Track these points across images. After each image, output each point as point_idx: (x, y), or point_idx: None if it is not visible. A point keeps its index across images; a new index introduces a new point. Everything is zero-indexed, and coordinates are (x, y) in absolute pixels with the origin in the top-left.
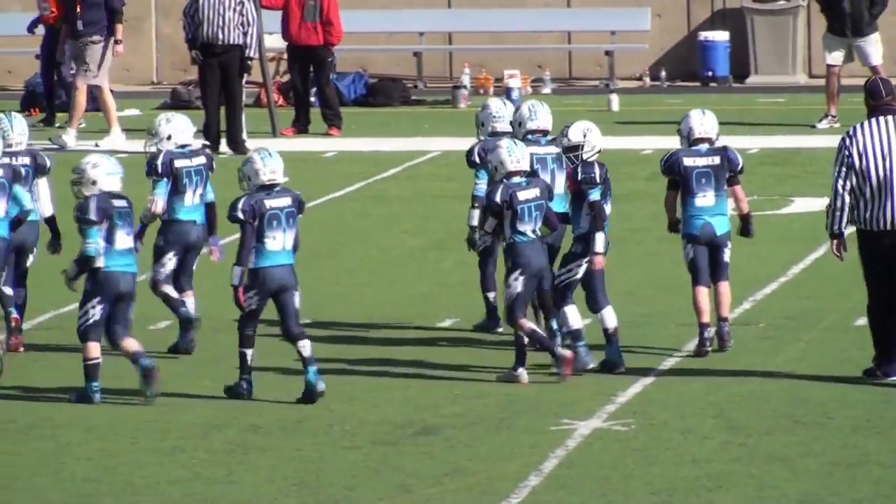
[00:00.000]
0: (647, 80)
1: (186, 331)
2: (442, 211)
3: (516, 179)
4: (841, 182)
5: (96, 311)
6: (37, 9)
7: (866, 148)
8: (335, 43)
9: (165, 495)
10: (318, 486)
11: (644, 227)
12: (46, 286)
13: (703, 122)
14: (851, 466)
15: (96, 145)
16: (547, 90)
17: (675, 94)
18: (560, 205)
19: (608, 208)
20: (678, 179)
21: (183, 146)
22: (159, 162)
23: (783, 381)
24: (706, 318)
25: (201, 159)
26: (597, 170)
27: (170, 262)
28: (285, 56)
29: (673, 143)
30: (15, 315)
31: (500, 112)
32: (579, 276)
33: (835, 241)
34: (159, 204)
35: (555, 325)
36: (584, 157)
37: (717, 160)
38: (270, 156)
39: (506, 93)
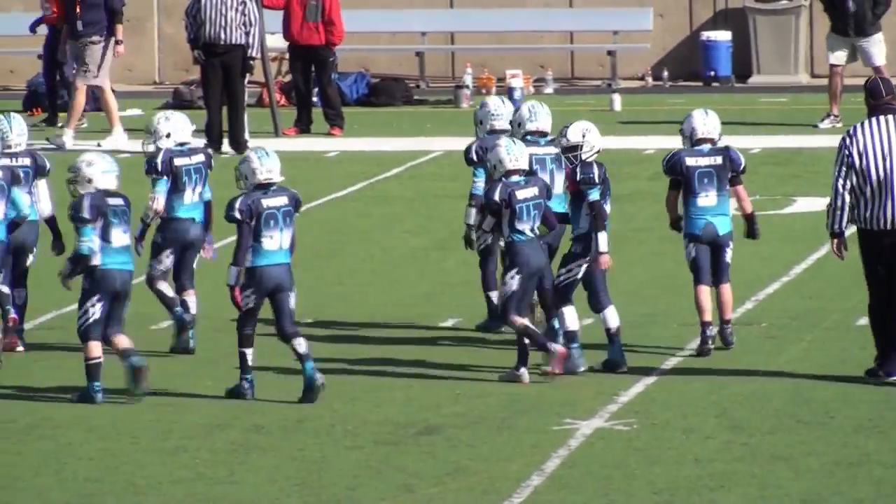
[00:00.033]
0: (650, 79)
1: (181, 332)
2: (444, 211)
3: (515, 178)
4: (841, 181)
5: (96, 310)
6: (39, 9)
7: (866, 147)
8: (337, 43)
9: (168, 495)
10: (320, 486)
11: (646, 226)
12: (48, 286)
13: (706, 123)
14: (853, 466)
15: (98, 145)
16: (549, 90)
17: (677, 94)
18: (559, 205)
19: (607, 208)
20: (680, 179)
21: (182, 144)
22: (159, 160)
23: (785, 380)
24: (708, 317)
25: (200, 157)
26: (595, 170)
27: (167, 258)
28: (287, 56)
29: (675, 142)
30: (13, 315)
31: (499, 110)
32: (580, 276)
33: (835, 241)
34: (160, 201)
35: (556, 325)
36: (583, 157)
37: (719, 160)
38: (267, 155)
39: (508, 93)
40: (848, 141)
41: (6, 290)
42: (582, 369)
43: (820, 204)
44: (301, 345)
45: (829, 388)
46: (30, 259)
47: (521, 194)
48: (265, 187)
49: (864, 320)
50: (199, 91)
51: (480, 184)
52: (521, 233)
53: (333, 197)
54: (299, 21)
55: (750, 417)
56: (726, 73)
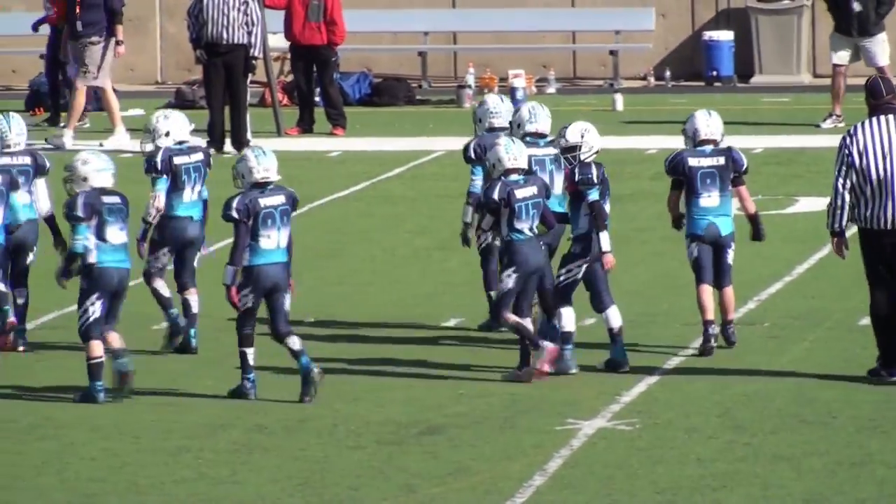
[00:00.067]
0: (652, 79)
1: (173, 336)
2: (446, 210)
3: (514, 177)
4: (841, 181)
5: (96, 309)
6: (41, 8)
7: (866, 147)
8: (339, 42)
9: (170, 495)
10: (322, 486)
11: (649, 226)
12: (50, 286)
13: (710, 124)
14: (856, 466)
15: (100, 145)
16: (551, 90)
17: (679, 94)
18: (558, 205)
19: (607, 208)
20: (682, 179)
21: (180, 143)
22: (158, 159)
23: (788, 380)
24: (710, 316)
25: (199, 156)
26: (594, 170)
27: (164, 256)
28: (289, 56)
29: (677, 142)
30: (12, 318)
31: (498, 108)
32: (580, 276)
33: (835, 240)
34: (161, 199)
35: (558, 325)
36: (582, 157)
37: (721, 161)
38: (264, 154)
39: (510, 92)
40: (848, 140)
41: (3, 288)
42: (573, 371)
43: (822, 204)
44: (295, 343)
45: (831, 387)
46: (30, 258)
47: (519, 193)
48: (262, 186)
49: (867, 320)
50: (201, 91)
51: (478, 182)
52: (520, 232)
53: (335, 197)
54: (301, 21)
55: (752, 417)
56: (728, 72)
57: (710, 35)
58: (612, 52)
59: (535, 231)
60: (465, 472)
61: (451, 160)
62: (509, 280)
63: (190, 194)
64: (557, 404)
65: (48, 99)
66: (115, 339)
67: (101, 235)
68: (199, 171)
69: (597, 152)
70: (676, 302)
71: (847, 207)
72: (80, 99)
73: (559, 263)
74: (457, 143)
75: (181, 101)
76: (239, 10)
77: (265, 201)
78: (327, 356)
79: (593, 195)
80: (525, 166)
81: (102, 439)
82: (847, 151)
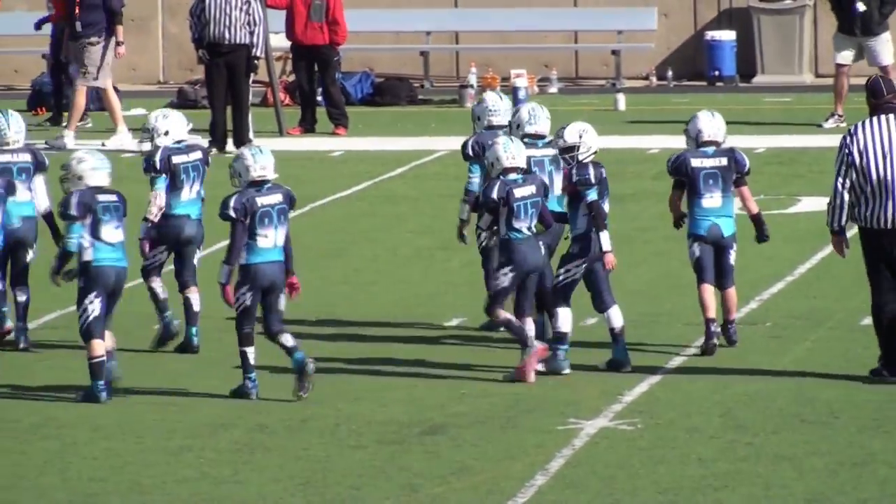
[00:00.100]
0: (654, 79)
1: (163, 339)
2: (449, 210)
3: (512, 176)
4: (840, 180)
5: (95, 307)
6: (44, 8)
7: (867, 146)
8: (341, 42)
9: (172, 495)
10: (324, 486)
11: (651, 226)
12: (53, 287)
13: (713, 125)
14: (857, 466)
15: (103, 144)
16: (553, 89)
17: (681, 94)
18: (557, 205)
19: (606, 207)
20: (685, 180)
21: (178, 142)
22: (157, 158)
23: (790, 380)
24: (712, 314)
25: (198, 154)
26: (591, 171)
27: (161, 254)
28: (291, 55)
29: (679, 142)
30: (8, 325)
31: (496, 106)
32: (578, 276)
33: (835, 238)
34: (162, 197)
35: (553, 324)
36: (580, 157)
37: (724, 161)
38: (261, 152)
39: (513, 92)
40: (848, 140)
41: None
42: (566, 371)
43: (824, 204)
44: (288, 339)
45: (833, 387)
46: (29, 255)
47: (518, 192)
48: (259, 184)
49: (869, 320)
50: (203, 91)
51: (475, 179)
52: (518, 231)
53: (338, 196)
54: (303, 21)
55: (754, 417)
56: (730, 72)
57: (712, 35)
58: (614, 52)
59: (534, 230)
60: (466, 471)
61: (453, 160)
62: (504, 278)
63: (188, 193)
64: (559, 404)
65: (51, 99)
66: (108, 339)
67: (96, 234)
68: (197, 170)
69: (595, 153)
70: (678, 302)
71: (846, 206)
72: (81, 99)
73: (558, 263)
74: (459, 142)
75: (183, 101)
76: (241, 9)
77: (262, 200)
78: (329, 356)
79: (592, 195)
80: (523, 165)
81: (104, 439)
82: (847, 151)
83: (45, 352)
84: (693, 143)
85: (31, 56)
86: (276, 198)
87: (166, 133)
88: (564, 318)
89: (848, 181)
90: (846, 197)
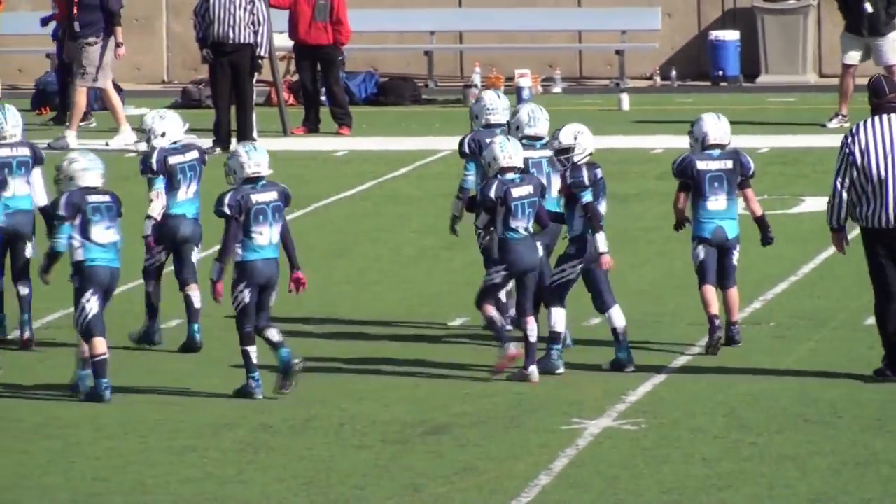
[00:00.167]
0: (658, 79)
1: (144, 341)
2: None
3: (510, 175)
4: (840, 179)
5: (92, 305)
6: (49, 7)
7: (868, 146)
8: (344, 42)
9: (176, 494)
10: (327, 486)
11: (655, 226)
12: (54, 285)
13: (719, 128)
14: (861, 465)
15: (107, 144)
16: (557, 89)
17: (685, 94)
18: (555, 205)
19: (603, 208)
20: (690, 182)
21: (174, 142)
22: (154, 159)
23: (793, 380)
24: (714, 310)
25: (194, 154)
26: (585, 172)
27: (160, 254)
28: (294, 55)
29: (683, 142)
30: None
31: (494, 104)
32: (574, 276)
33: (834, 235)
34: (163, 196)
35: (548, 324)
36: (575, 159)
37: (729, 164)
38: (255, 149)
39: (516, 92)
40: (850, 139)
41: None
42: (560, 371)
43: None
44: (274, 335)
45: (836, 387)
46: (28, 249)
47: (516, 192)
48: (254, 181)
49: (872, 320)
50: (207, 90)
51: (471, 177)
52: (515, 231)
53: (341, 196)
54: (307, 20)
55: (758, 417)
56: (734, 72)
57: (716, 35)
58: (618, 52)
59: (531, 230)
60: (470, 471)
61: (457, 160)
62: (497, 276)
63: (185, 193)
64: (563, 404)
65: (55, 98)
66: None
67: (86, 234)
68: (194, 170)
69: (590, 154)
70: (682, 301)
71: (845, 205)
72: (81, 99)
73: (555, 263)
74: None
75: (188, 101)
76: (245, 9)
77: (257, 197)
78: (333, 355)
79: (587, 197)
80: (521, 164)
81: (108, 438)
82: (849, 150)
83: (48, 351)
84: (698, 146)
85: (34, 55)
86: (272, 195)
87: (163, 134)
88: (558, 318)
89: (847, 180)
90: (844, 196)
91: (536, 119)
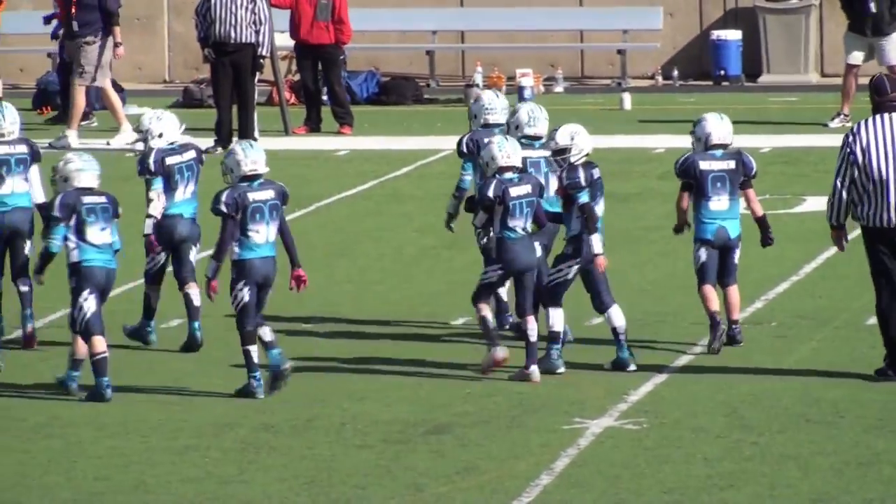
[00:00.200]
0: (660, 78)
1: (133, 333)
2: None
3: (508, 175)
4: (840, 178)
5: (90, 304)
6: (51, 6)
7: (869, 145)
8: (346, 41)
9: (177, 494)
10: (329, 485)
11: (657, 225)
12: (56, 285)
13: (722, 128)
14: (863, 465)
15: (108, 143)
16: (559, 89)
17: (687, 93)
18: (553, 205)
19: (601, 208)
20: (692, 182)
21: (171, 143)
22: (151, 160)
23: (795, 379)
24: (715, 307)
25: (192, 154)
26: (581, 173)
27: (159, 255)
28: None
29: (685, 141)
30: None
31: (493, 104)
32: (570, 276)
33: (834, 232)
34: (163, 196)
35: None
36: (571, 160)
37: (732, 164)
38: (251, 147)
39: (518, 91)
40: (851, 138)
41: None
42: (560, 370)
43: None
44: (267, 334)
45: (838, 387)
46: (27, 247)
47: (514, 191)
48: (251, 179)
49: (874, 320)
50: (209, 90)
51: (467, 177)
52: (512, 230)
53: (343, 196)
54: (309, 20)
55: (759, 417)
56: (736, 72)
57: (717, 34)
58: (619, 52)
59: (528, 230)
60: (472, 471)
61: (458, 159)
62: (493, 274)
63: (182, 193)
64: (565, 403)
65: (57, 97)
66: (83, 345)
67: (81, 235)
68: (191, 170)
69: (587, 154)
70: (684, 301)
71: (844, 203)
72: (80, 98)
73: (552, 263)
74: None
75: (189, 100)
76: (247, 8)
77: (254, 196)
78: (334, 355)
79: (583, 198)
80: (519, 164)
81: (109, 438)
82: (850, 150)
83: (50, 350)
84: (701, 146)
85: (36, 55)
86: (269, 194)
87: (160, 135)
88: (556, 318)
89: (847, 179)
90: (844, 195)
91: (536, 119)
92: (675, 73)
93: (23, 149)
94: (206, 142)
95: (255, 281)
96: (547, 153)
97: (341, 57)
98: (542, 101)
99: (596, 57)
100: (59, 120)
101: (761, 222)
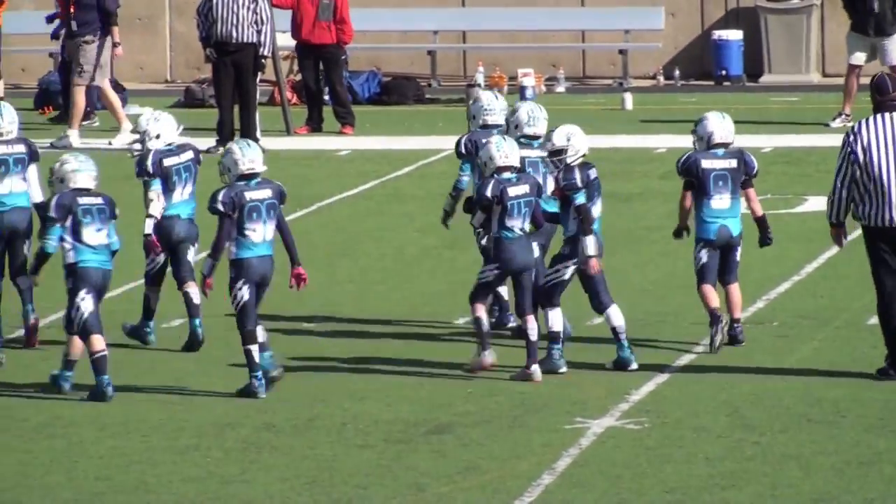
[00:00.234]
0: (661, 78)
1: (132, 331)
2: (456, 209)
3: (506, 175)
4: (840, 177)
5: (87, 303)
6: (52, 6)
7: (870, 144)
8: (347, 41)
9: (178, 494)
10: (330, 485)
11: (658, 225)
12: (57, 285)
13: (724, 127)
14: (864, 465)
15: (109, 143)
16: (561, 89)
17: (688, 93)
18: (552, 205)
19: (598, 209)
20: (694, 181)
21: (169, 144)
22: (149, 162)
23: (796, 379)
24: (716, 304)
25: (189, 154)
26: (577, 174)
27: (158, 256)
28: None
29: (687, 141)
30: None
31: (492, 105)
32: (566, 277)
33: (834, 230)
34: (161, 197)
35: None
36: (568, 161)
37: (734, 163)
38: (249, 146)
39: (520, 91)
40: (852, 137)
41: None
42: (563, 370)
43: None
44: (260, 334)
45: (840, 386)
46: (26, 246)
47: (512, 191)
48: (248, 178)
49: (875, 319)
50: (210, 90)
51: (465, 178)
52: (510, 230)
53: (345, 195)
54: (311, 20)
55: (761, 416)
56: (738, 72)
57: (719, 34)
58: (621, 52)
59: (526, 230)
60: (473, 470)
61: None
62: (490, 274)
63: (180, 194)
64: (566, 403)
65: (58, 97)
66: (77, 346)
67: (77, 236)
68: (189, 171)
69: (584, 155)
70: (685, 301)
71: (844, 201)
72: (80, 98)
73: (548, 263)
74: None
75: (191, 100)
76: (248, 8)
77: (251, 195)
78: (336, 354)
79: (580, 199)
80: (517, 164)
81: (110, 438)
82: (850, 149)
83: (51, 349)
84: (703, 145)
85: (37, 55)
86: (266, 193)
87: (158, 136)
88: (555, 318)
89: (847, 178)
90: (844, 193)
91: (536, 118)
92: (677, 73)
93: (21, 148)
94: (208, 142)
95: (253, 280)
96: (545, 153)
97: (343, 57)
98: (544, 101)
99: (597, 57)
100: (61, 120)
101: (761, 222)
